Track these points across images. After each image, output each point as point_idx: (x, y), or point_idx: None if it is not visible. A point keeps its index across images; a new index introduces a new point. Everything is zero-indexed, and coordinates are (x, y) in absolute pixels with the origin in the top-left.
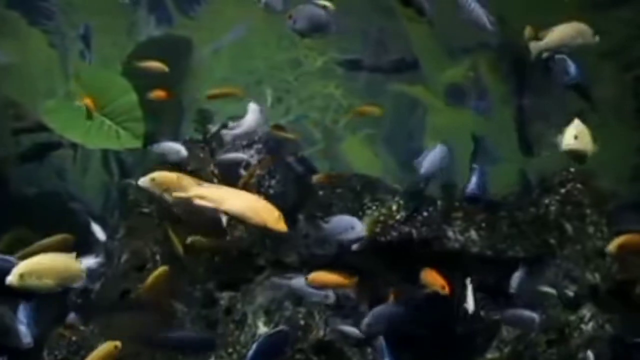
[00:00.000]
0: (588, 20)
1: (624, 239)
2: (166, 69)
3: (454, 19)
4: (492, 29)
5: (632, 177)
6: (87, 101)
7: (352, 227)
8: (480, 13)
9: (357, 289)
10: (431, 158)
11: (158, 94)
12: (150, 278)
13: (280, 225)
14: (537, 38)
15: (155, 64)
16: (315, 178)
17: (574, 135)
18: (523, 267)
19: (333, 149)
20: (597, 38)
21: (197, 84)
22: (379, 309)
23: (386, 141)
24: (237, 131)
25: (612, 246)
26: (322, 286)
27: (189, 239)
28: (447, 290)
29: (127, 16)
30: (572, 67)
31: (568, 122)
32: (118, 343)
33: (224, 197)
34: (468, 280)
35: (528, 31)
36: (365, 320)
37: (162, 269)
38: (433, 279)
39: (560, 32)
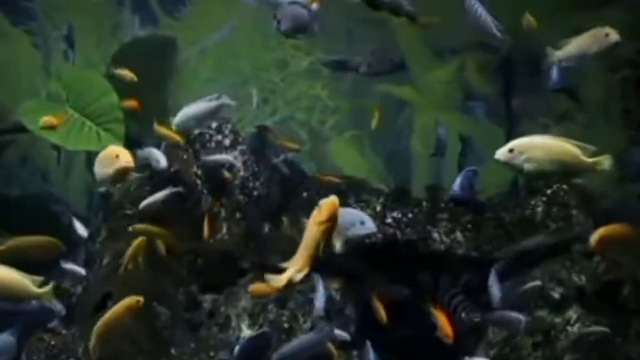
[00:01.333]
0: (576, 20)
1: (604, 230)
2: (135, 78)
3: (441, 19)
4: (499, 35)
5: (620, 178)
6: (47, 119)
7: (361, 221)
8: (487, 19)
9: (342, 291)
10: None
11: (129, 104)
12: (131, 249)
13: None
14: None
15: (125, 72)
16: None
17: (509, 149)
18: (496, 273)
19: (319, 150)
20: (613, 37)
21: (182, 84)
22: (287, 346)
23: (373, 142)
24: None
25: (593, 239)
26: (263, 296)
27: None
28: (450, 340)
29: (112, 17)
30: (556, 73)
31: (556, 121)
32: (140, 298)
33: (304, 251)
34: None
35: (527, 19)
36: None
37: (140, 239)
38: (442, 323)
39: (579, 43)
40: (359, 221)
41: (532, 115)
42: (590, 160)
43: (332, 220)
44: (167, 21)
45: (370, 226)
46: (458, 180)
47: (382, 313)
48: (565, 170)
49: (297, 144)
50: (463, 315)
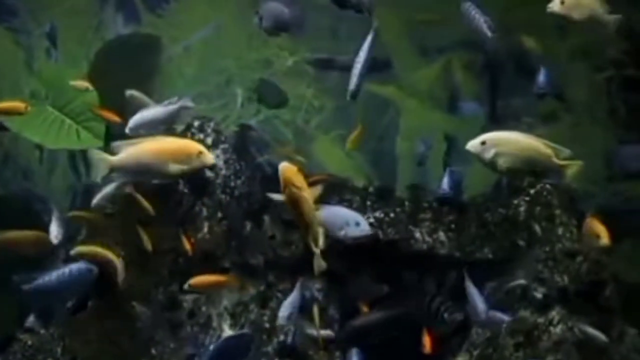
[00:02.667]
0: (560, 19)
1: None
2: (91, 87)
3: (429, 18)
4: (491, 36)
5: (607, 178)
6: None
7: (356, 222)
8: (481, 22)
9: (325, 291)
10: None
11: (108, 115)
12: None
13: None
14: None
15: (80, 83)
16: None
17: (482, 141)
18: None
19: (304, 149)
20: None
21: (166, 82)
22: None
23: None
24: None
25: (604, 239)
26: (204, 289)
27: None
28: (427, 350)
29: (95, 14)
30: (542, 77)
31: (542, 121)
32: None
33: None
34: None
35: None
36: None
37: None
38: (423, 334)
39: None
40: (354, 222)
41: (518, 114)
42: (560, 162)
43: (290, 184)
44: (150, 19)
45: (365, 228)
46: (445, 180)
47: None
48: (533, 169)
49: (292, 151)
50: (445, 316)
